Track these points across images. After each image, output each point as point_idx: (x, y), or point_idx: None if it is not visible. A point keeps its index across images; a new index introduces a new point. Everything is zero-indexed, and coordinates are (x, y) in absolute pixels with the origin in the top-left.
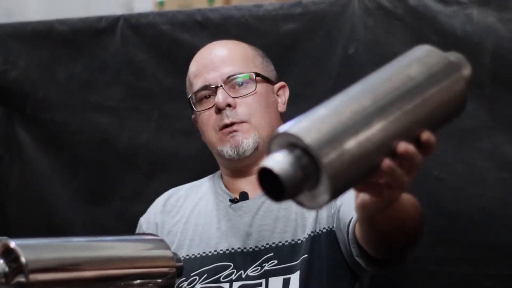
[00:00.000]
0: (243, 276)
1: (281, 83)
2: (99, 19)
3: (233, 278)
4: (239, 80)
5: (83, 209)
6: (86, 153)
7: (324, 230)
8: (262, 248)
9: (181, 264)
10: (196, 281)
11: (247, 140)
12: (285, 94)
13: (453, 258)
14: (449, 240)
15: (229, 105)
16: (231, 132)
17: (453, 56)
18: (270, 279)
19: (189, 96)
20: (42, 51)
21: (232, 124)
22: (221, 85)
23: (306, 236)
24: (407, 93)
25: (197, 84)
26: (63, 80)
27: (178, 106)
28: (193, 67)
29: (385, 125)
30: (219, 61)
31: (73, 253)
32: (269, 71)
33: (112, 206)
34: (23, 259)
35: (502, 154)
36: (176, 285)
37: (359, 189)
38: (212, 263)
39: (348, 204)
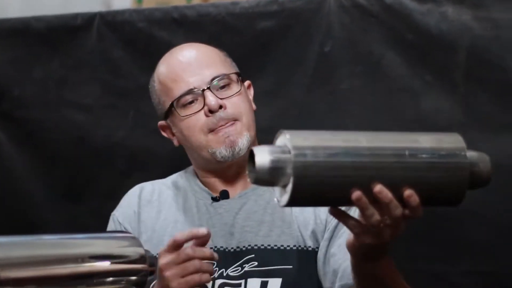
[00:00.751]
0: (224, 274)
1: (248, 82)
2: (75, 16)
3: (215, 276)
4: (223, 82)
5: (59, 206)
6: (62, 151)
7: (310, 249)
8: (244, 249)
9: (153, 261)
10: None
11: (241, 139)
12: (251, 93)
13: (426, 256)
14: (423, 238)
15: (220, 107)
16: (225, 132)
17: (477, 153)
18: (249, 280)
19: (171, 102)
20: (18, 49)
21: (226, 124)
22: (208, 88)
23: (293, 247)
24: (404, 149)
25: (178, 89)
26: (39, 78)
27: None
28: (166, 70)
29: (369, 161)
30: (198, 64)
31: (45, 250)
32: (237, 70)
33: (88, 204)
34: None
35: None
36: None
37: (332, 212)
38: None
39: (343, 253)
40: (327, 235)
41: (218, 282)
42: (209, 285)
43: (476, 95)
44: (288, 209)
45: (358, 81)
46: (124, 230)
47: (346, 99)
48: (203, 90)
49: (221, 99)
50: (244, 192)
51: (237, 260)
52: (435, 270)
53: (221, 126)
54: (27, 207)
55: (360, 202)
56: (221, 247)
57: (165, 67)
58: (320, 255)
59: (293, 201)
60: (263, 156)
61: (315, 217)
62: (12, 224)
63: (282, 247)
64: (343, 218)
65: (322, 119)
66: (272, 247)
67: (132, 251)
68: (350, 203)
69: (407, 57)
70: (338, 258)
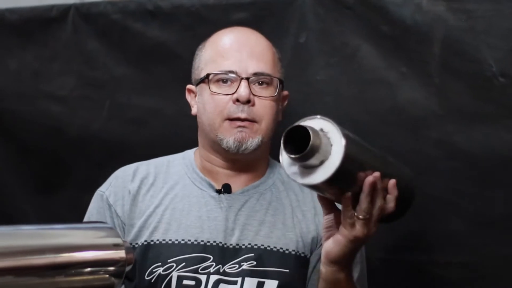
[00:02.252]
0: (221, 270)
1: (286, 93)
2: (50, 8)
3: (211, 271)
4: (264, 79)
5: (35, 198)
6: (37, 142)
7: (307, 257)
8: (243, 247)
9: (131, 252)
10: (173, 268)
11: (252, 139)
12: (284, 104)
13: (404, 246)
14: (400, 228)
15: (248, 101)
16: (240, 127)
17: None
18: (246, 279)
19: (209, 73)
20: None
21: (245, 119)
22: (247, 78)
23: (292, 251)
24: (396, 165)
25: (220, 65)
26: (14, 69)
27: (129, 95)
28: (221, 43)
29: (382, 155)
30: (250, 52)
31: (22, 241)
32: (283, 78)
33: (64, 195)
34: None
35: (452, 143)
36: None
37: (324, 202)
38: (192, 252)
39: None
40: (318, 251)
41: (214, 277)
42: (203, 280)
43: (451, 86)
44: (289, 213)
45: (334, 72)
46: (112, 213)
47: (322, 90)
48: (241, 78)
49: (253, 95)
50: (246, 188)
51: (234, 257)
52: (414, 261)
53: (238, 118)
54: (3, 199)
55: (373, 183)
56: (220, 242)
57: (221, 40)
58: (310, 267)
59: (336, 176)
60: (314, 127)
61: (315, 227)
62: None
63: (281, 250)
64: (333, 210)
65: (298, 110)
66: (271, 249)
67: (110, 241)
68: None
69: (382, 49)
70: None
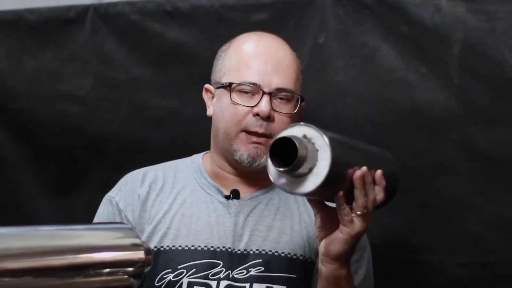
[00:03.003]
0: (230, 276)
1: (303, 104)
2: (68, 8)
3: (221, 277)
4: (285, 96)
5: (52, 199)
6: (55, 143)
7: (314, 262)
8: (251, 252)
9: (150, 253)
10: (183, 274)
11: (266, 156)
12: (302, 112)
13: (425, 247)
14: (421, 229)
15: (268, 117)
16: (255, 143)
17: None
18: (254, 284)
19: (230, 82)
20: (10, 41)
21: (262, 135)
22: (269, 93)
23: (300, 256)
24: (378, 154)
25: (245, 76)
26: (32, 70)
27: (148, 95)
28: (247, 51)
29: (367, 150)
30: (276, 66)
31: (41, 241)
32: (303, 88)
33: (81, 196)
34: None
35: (472, 144)
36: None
37: (316, 204)
38: (202, 258)
39: None
40: None
41: (224, 283)
42: (214, 285)
43: (470, 88)
44: (297, 218)
45: (353, 73)
46: (122, 218)
47: (341, 91)
48: (264, 92)
49: (274, 110)
50: (255, 194)
51: (242, 263)
52: (434, 261)
53: (255, 132)
54: (20, 200)
55: (361, 178)
56: (229, 247)
57: (247, 47)
58: (314, 269)
59: (327, 181)
60: (297, 134)
61: None
62: (5, 217)
63: (289, 255)
64: (323, 209)
65: (318, 111)
66: (279, 254)
67: (129, 242)
68: (349, 183)
69: (402, 49)
70: None
